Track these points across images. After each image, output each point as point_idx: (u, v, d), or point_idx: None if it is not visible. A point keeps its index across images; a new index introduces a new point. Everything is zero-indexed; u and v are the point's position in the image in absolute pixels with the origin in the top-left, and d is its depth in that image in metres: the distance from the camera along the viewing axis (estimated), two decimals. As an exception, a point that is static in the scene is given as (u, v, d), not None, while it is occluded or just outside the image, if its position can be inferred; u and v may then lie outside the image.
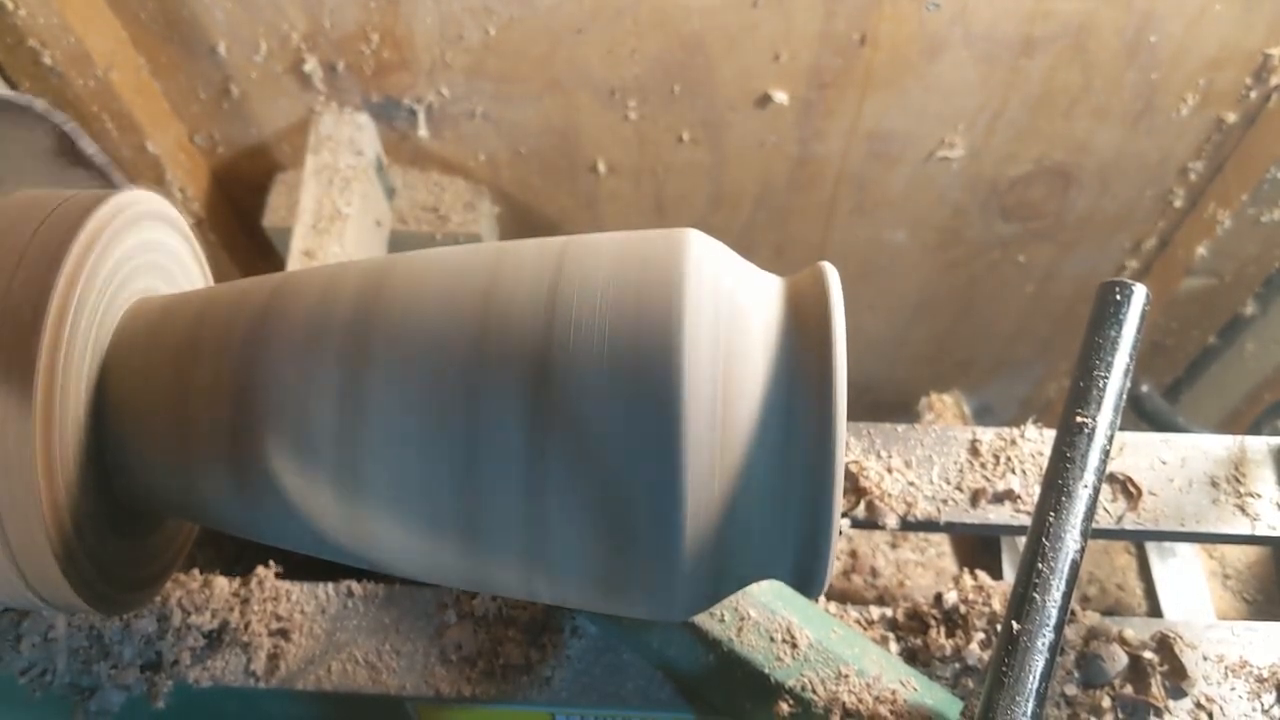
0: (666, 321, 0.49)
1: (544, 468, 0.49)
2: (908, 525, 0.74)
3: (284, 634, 0.71)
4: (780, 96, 1.18)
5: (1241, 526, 0.74)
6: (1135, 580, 0.95)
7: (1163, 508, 0.74)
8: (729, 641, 0.63)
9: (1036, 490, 0.74)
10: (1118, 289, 0.58)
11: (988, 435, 0.77)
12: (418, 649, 0.70)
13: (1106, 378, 0.56)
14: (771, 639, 0.63)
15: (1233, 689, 0.67)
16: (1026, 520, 0.73)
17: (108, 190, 0.59)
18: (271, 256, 1.35)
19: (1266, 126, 1.19)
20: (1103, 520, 0.74)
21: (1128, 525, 0.74)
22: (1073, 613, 0.68)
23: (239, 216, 1.41)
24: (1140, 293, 0.58)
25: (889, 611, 0.71)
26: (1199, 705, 0.66)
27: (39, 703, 0.74)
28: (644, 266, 0.51)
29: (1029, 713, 0.50)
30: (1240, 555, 0.95)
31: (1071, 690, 0.66)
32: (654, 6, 1.08)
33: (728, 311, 0.51)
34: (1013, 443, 0.77)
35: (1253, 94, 1.16)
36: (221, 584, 0.72)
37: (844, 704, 0.60)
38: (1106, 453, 0.55)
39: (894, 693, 0.61)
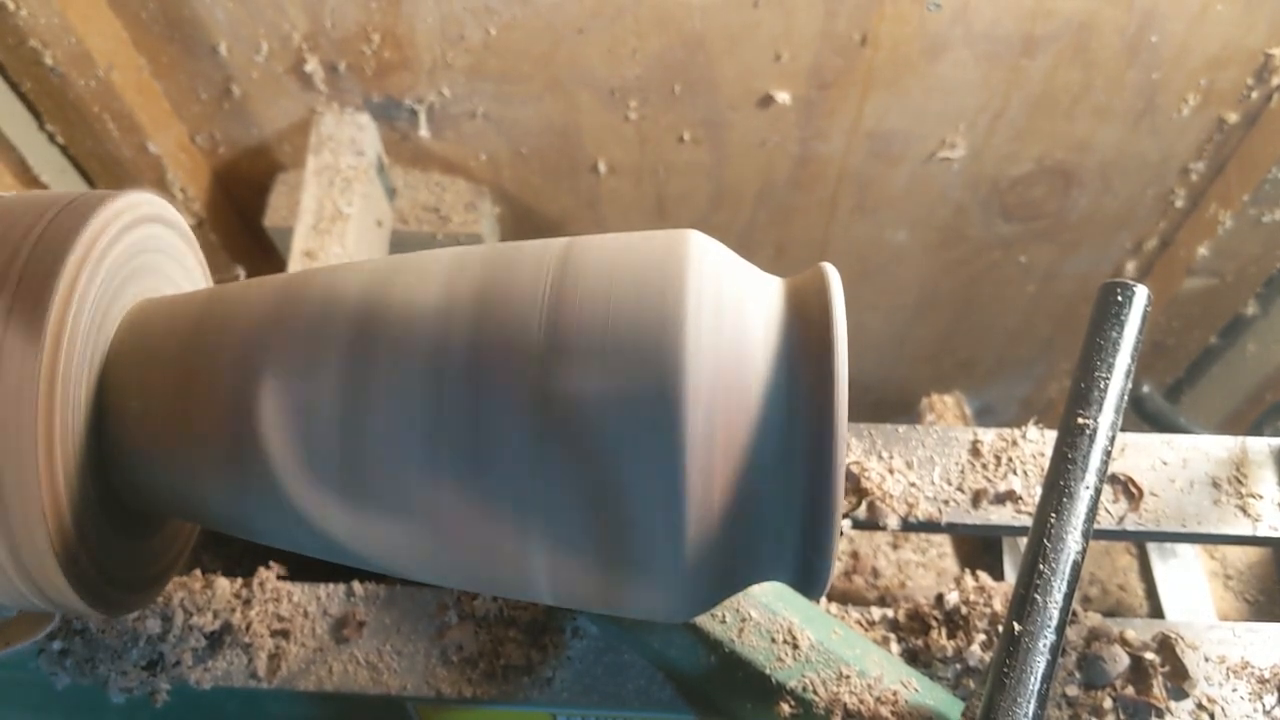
0: (667, 323, 0.49)
1: (546, 469, 0.49)
2: (909, 526, 0.74)
3: (285, 634, 0.71)
4: (781, 96, 1.18)
5: (1243, 527, 0.74)
6: (1137, 581, 0.95)
7: (1164, 508, 0.74)
8: (730, 642, 0.63)
9: (1038, 491, 0.74)
10: (1119, 289, 0.58)
11: (989, 436, 0.77)
12: (419, 649, 0.70)
13: (1108, 378, 0.56)
14: (773, 640, 0.63)
15: (1234, 690, 0.67)
16: (1028, 521, 0.73)
17: (109, 192, 0.59)
18: (273, 257, 1.35)
19: (1268, 126, 1.18)
20: (1104, 521, 0.73)
21: (1129, 526, 0.74)
22: (1074, 614, 0.68)
23: (240, 217, 1.41)
24: (1141, 293, 0.58)
25: (890, 612, 0.71)
26: (1200, 706, 0.66)
27: (40, 703, 0.74)
28: (645, 268, 0.51)
29: (1030, 714, 0.50)
30: (1241, 556, 0.95)
31: (1073, 691, 0.66)
32: (655, 6, 1.08)
33: (728, 313, 0.51)
34: (1014, 444, 0.77)
35: (1254, 94, 1.16)
36: (223, 585, 0.72)
37: (845, 705, 0.60)
38: (1108, 454, 0.55)
39: (895, 694, 0.61)
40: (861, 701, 0.61)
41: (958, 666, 0.68)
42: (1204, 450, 0.77)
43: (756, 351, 0.50)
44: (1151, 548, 0.93)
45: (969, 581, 0.70)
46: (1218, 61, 1.13)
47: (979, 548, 1.00)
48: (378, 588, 0.73)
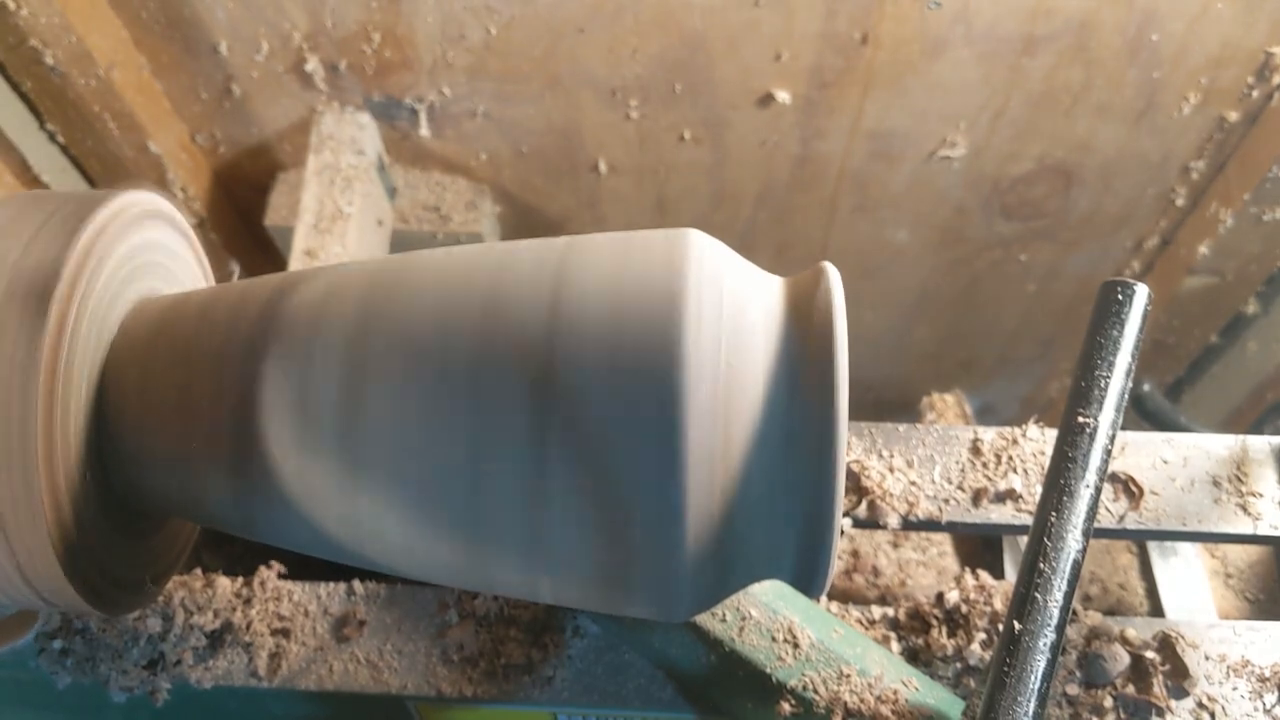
0: (667, 322, 0.49)
1: (546, 467, 0.49)
2: (909, 525, 0.74)
3: (286, 633, 0.71)
4: (782, 95, 1.18)
5: (1243, 526, 0.74)
6: (1137, 580, 0.95)
7: (1164, 507, 0.74)
8: (731, 641, 0.63)
9: (1038, 490, 0.74)
10: (1119, 288, 0.58)
11: (989, 435, 0.77)
12: (419, 649, 0.70)
13: (1108, 377, 0.56)
14: (773, 639, 0.63)
15: (1235, 688, 0.67)
16: (1028, 520, 0.73)
17: (110, 191, 0.59)
18: (273, 256, 1.35)
19: (1268, 125, 1.18)
20: (1104, 520, 0.73)
21: (1129, 525, 0.74)
22: (1074, 612, 0.68)
23: (241, 216, 1.41)
24: (1142, 292, 0.58)
25: (891, 611, 0.71)
26: (1201, 705, 0.66)
27: (40, 702, 0.74)
28: (645, 267, 0.51)
29: (1031, 712, 0.50)
30: (1242, 554, 0.95)
31: (1073, 690, 0.66)
32: (655, 5, 1.08)
33: (729, 312, 0.51)
34: (1014, 442, 0.77)
35: (1255, 92, 1.16)
36: (224, 584, 0.72)
37: (846, 704, 0.60)
38: (1108, 452, 0.55)
39: (896, 693, 0.61)
40: (862, 700, 0.61)
41: (958, 665, 0.68)
42: (1204, 449, 0.77)
43: (757, 351, 0.50)
44: (1152, 546, 0.93)
45: (969, 580, 0.70)
46: (1218, 60, 1.13)
47: (979, 546, 1.00)
48: (378, 587, 0.73)
